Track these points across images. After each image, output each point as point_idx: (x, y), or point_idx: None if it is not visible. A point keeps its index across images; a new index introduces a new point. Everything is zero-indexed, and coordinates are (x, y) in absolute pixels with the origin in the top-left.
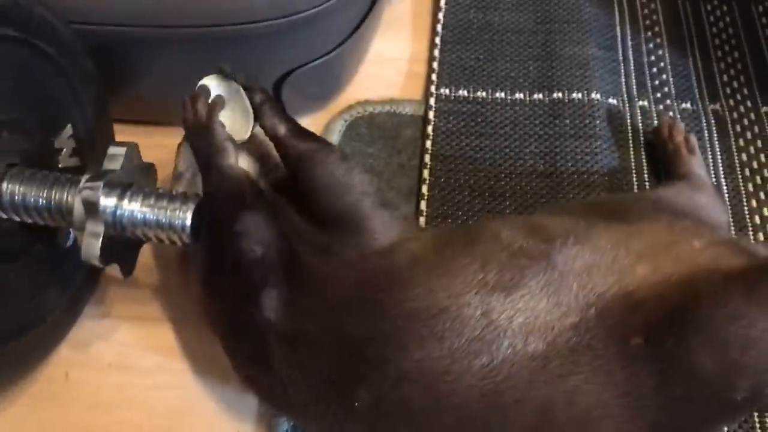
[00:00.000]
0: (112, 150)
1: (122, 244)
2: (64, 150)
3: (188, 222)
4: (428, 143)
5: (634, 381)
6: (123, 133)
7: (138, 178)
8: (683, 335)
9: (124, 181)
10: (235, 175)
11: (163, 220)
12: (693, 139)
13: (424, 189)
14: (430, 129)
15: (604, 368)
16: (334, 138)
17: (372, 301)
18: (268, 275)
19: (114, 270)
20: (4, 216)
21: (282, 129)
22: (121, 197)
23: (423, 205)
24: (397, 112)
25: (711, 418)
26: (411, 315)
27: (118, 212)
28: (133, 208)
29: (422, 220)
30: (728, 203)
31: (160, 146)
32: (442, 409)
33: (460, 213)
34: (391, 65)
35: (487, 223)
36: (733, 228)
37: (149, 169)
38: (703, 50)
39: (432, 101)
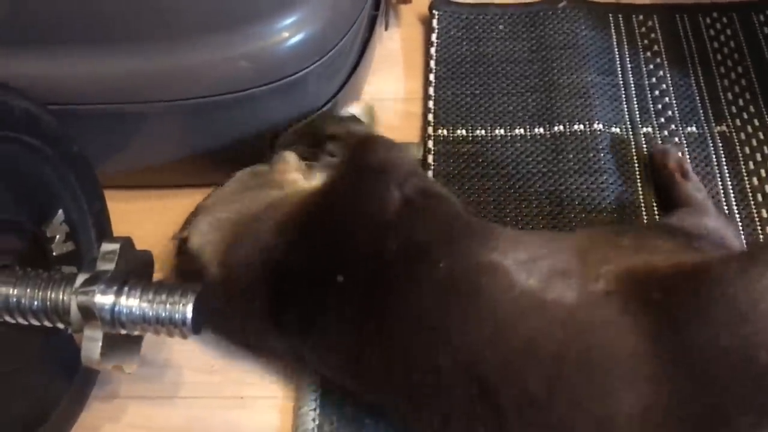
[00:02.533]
0: (106, 247)
1: (123, 339)
2: (57, 237)
3: (189, 315)
4: None
5: (656, 340)
6: (117, 199)
7: (135, 270)
8: (697, 291)
9: (120, 277)
10: None
11: (163, 314)
12: (686, 163)
13: None
14: (430, 174)
15: (631, 316)
16: None
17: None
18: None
19: (117, 368)
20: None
21: None
22: (118, 294)
23: None
24: None
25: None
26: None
27: (116, 309)
28: (132, 304)
29: None
30: (742, 232)
31: (155, 209)
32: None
33: None
34: (385, 106)
35: None
36: None
37: (146, 257)
38: (705, 67)
39: (430, 144)
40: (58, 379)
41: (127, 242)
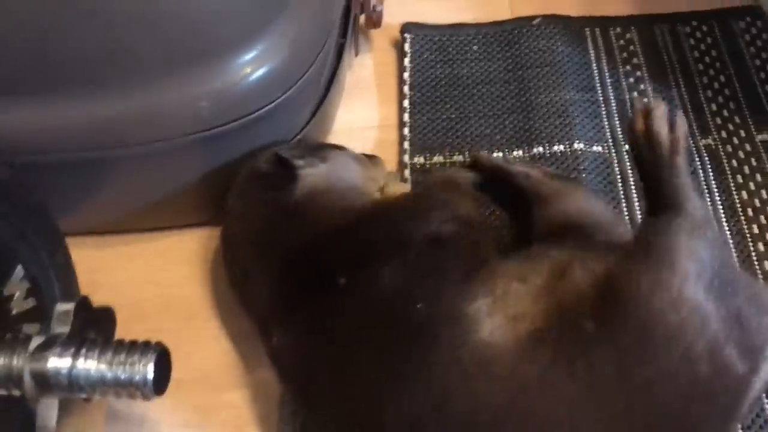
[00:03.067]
0: (60, 308)
1: (78, 403)
2: (17, 294)
3: (150, 376)
4: None
5: (595, 371)
6: (87, 245)
7: (95, 328)
8: (623, 317)
9: (77, 338)
10: None
11: (123, 376)
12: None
13: None
14: None
15: (567, 352)
16: None
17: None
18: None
19: None
20: None
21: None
22: (75, 357)
23: None
24: None
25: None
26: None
27: (74, 373)
28: (89, 366)
29: None
30: (733, 249)
31: (126, 255)
32: (450, 360)
33: None
34: (360, 135)
35: None
36: None
37: (106, 314)
38: (687, 78)
39: (407, 173)
40: None
41: (82, 301)
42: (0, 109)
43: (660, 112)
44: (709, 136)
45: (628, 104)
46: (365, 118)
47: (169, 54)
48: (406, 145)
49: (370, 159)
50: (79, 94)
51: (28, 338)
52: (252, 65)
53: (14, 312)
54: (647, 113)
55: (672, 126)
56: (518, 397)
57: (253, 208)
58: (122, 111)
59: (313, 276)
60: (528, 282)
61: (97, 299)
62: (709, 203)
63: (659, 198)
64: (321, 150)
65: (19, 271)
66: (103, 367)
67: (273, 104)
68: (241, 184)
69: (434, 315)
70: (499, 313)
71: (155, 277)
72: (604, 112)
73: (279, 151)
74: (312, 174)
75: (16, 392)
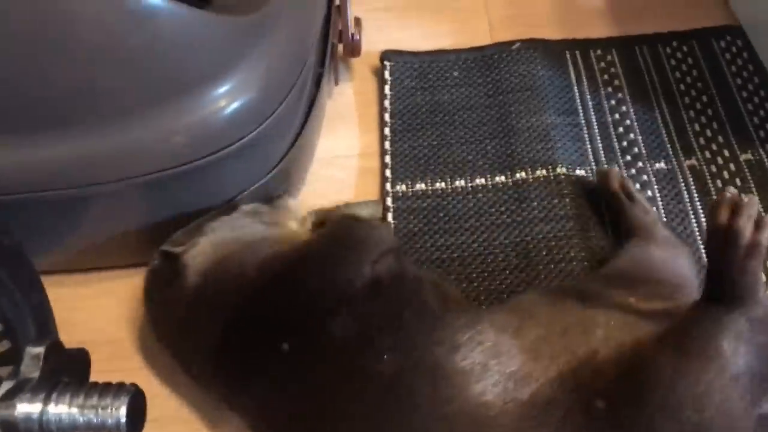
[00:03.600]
0: (30, 351)
1: None
2: None
3: (123, 419)
4: None
5: None
6: (65, 284)
7: (68, 370)
8: (640, 401)
9: (48, 382)
10: None
11: (95, 420)
12: (629, 183)
13: None
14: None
15: (573, 425)
16: None
17: (435, 302)
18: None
19: None
20: None
21: None
22: (46, 402)
23: None
24: (354, 218)
25: None
26: (445, 320)
27: (44, 418)
28: (60, 411)
29: None
30: None
31: (107, 292)
32: (434, 413)
33: None
34: (341, 164)
35: None
36: None
37: (80, 356)
38: (669, 99)
39: (389, 201)
40: None
41: (53, 344)
42: None
43: (751, 210)
44: (693, 157)
45: (611, 126)
46: (347, 147)
47: (143, 89)
48: (388, 173)
49: (274, 202)
50: (52, 133)
51: None
52: (226, 98)
53: None
54: (736, 208)
55: (758, 227)
56: None
57: (161, 310)
58: (97, 148)
59: (253, 350)
60: (522, 337)
61: (75, 338)
62: (694, 224)
63: (719, 287)
64: (201, 226)
65: None
66: (74, 411)
67: (249, 136)
68: (145, 289)
69: (407, 366)
70: (495, 369)
71: (135, 314)
72: (586, 136)
73: (162, 247)
74: (196, 254)
75: None
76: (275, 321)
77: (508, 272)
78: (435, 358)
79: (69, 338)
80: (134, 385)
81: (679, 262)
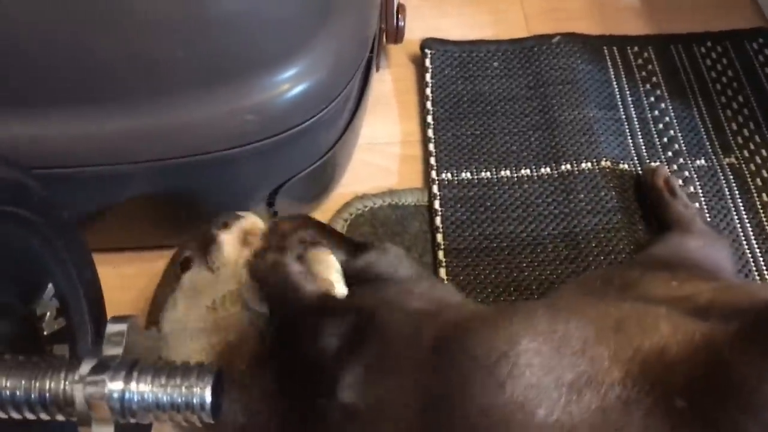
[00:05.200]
0: (112, 328)
1: (132, 429)
2: (48, 314)
3: (208, 399)
4: (439, 237)
5: None
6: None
7: (142, 350)
8: (722, 403)
9: (128, 360)
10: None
11: (179, 400)
12: (673, 180)
13: None
14: (438, 221)
15: (657, 426)
16: None
17: (445, 352)
18: (344, 360)
19: None
20: None
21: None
22: (127, 380)
23: None
24: (399, 204)
25: None
26: (473, 362)
27: (127, 397)
28: (143, 390)
29: None
30: (763, 266)
31: (143, 272)
32: None
33: None
34: (383, 151)
35: None
36: None
37: (152, 336)
38: (706, 98)
39: (435, 189)
40: None
41: (134, 321)
42: (40, 121)
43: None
44: (732, 155)
45: (651, 123)
46: (388, 134)
47: (218, 67)
48: (433, 161)
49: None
50: (125, 106)
51: (77, 361)
52: (297, 79)
53: (45, 332)
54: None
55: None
56: None
57: None
58: (168, 124)
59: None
60: (569, 341)
61: None
62: (737, 222)
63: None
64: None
65: (50, 289)
66: (157, 390)
67: (315, 118)
68: None
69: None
70: (551, 385)
71: None
72: (627, 131)
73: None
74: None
75: (61, 417)
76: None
77: (558, 263)
78: (484, 411)
79: (109, 316)
80: (215, 364)
81: (715, 252)
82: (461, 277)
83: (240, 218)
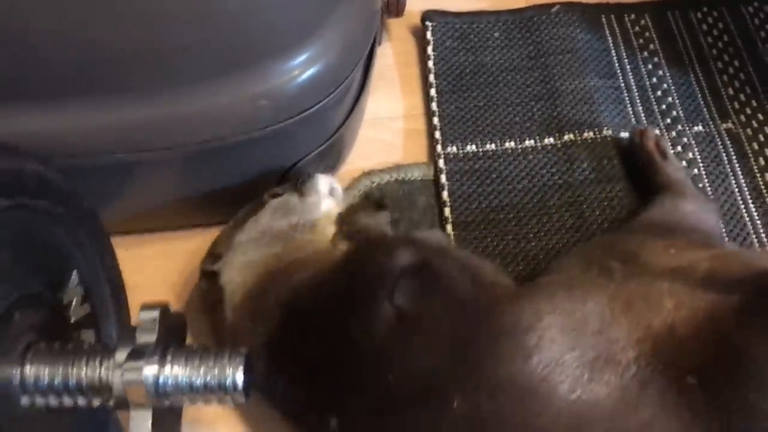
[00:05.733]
0: (144, 315)
1: (166, 411)
2: (74, 301)
3: (240, 380)
4: (447, 211)
5: (700, 423)
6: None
7: (173, 335)
8: (730, 377)
9: (161, 345)
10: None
11: (213, 382)
12: (664, 143)
13: None
14: (445, 195)
15: (672, 404)
16: None
17: (480, 308)
18: (406, 272)
19: None
20: (28, 402)
21: None
22: (161, 364)
23: None
24: (405, 179)
25: None
26: (502, 327)
27: (161, 380)
28: (177, 373)
29: None
30: (761, 230)
31: (158, 255)
32: (531, 429)
33: None
34: (387, 126)
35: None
36: None
37: (180, 320)
38: (702, 63)
39: (441, 163)
40: None
41: (165, 308)
42: (58, 113)
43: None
44: (729, 120)
45: (649, 90)
46: (391, 109)
47: (231, 54)
48: (438, 134)
49: (305, 185)
50: (140, 95)
51: (112, 348)
52: (308, 63)
53: (73, 320)
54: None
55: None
56: None
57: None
58: (183, 112)
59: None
60: (587, 320)
61: (137, 300)
62: (734, 187)
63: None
64: (231, 236)
65: (75, 277)
66: (191, 373)
67: (325, 100)
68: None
69: (482, 401)
70: (574, 363)
71: (194, 276)
72: (627, 99)
73: (202, 265)
74: (230, 279)
75: (98, 402)
76: (312, 353)
77: (563, 232)
78: (510, 377)
79: (129, 300)
80: (246, 348)
81: (707, 215)
82: (470, 250)
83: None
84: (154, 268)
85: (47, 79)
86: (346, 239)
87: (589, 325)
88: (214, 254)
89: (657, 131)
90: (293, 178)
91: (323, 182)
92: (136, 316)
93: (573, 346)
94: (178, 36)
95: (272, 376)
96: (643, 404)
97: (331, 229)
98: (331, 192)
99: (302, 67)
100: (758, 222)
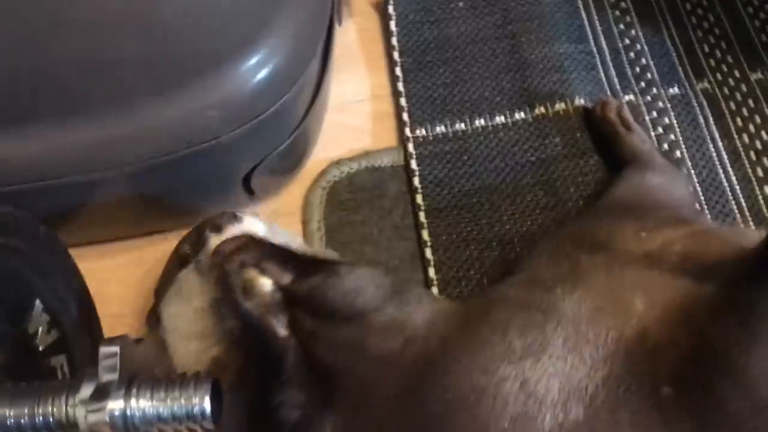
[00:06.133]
0: (105, 351)
1: None
2: (40, 329)
3: (207, 407)
4: (419, 198)
5: None
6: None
7: (140, 362)
8: (708, 384)
9: (125, 378)
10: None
11: (180, 411)
12: (626, 112)
13: (428, 253)
14: (416, 181)
15: (645, 424)
16: (315, 213)
17: (416, 398)
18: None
19: None
20: None
21: (286, 278)
22: (127, 398)
23: (431, 272)
24: (376, 167)
25: None
26: (452, 404)
27: (128, 414)
28: (144, 406)
29: (434, 289)
30: (740, 194)
31: (130, 262)
32: None
33: (472, 272)
34: (354, 110)
35: (492, 288)
36: (751, 221)
37: (141, 347)
38: (676, 20)
39: (410, 147)
40: None
41: (126, 341)
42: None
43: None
44: (705, 79)
45: (622, 53)
46: (356, 90)
47: (174, 68)
48: (405, 116)
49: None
50: (85, 118)
51: (77, 383)
52: (258, 67)
53: (41, 348)
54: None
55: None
56: None
57: None
58: (131, 130)
59: None
60: (550, 342)
61: (109, 311)
62: (713, 151)
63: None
64: (159, 312)
65: (38, 305)
66: (158, 404)
67: (280, 102)
68: None
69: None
70: (535, 405)
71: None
72: (599, 64)
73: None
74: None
75: None
76: None
77: (538, 212)
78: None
79: (103, 311)
80: (211, 376)
81: (676, 186)
82: (444, 237)
83: (235, 222)
84: (130, 277)
85: None
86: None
87: (550, 356)
88: (154, 314)
89: (632, 96)
90: (196, 233)
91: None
92: (110, 329)
93: (533, 390)
94: (118, 50)
95: None
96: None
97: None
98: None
99: (250, 73)
100: (737, 187)
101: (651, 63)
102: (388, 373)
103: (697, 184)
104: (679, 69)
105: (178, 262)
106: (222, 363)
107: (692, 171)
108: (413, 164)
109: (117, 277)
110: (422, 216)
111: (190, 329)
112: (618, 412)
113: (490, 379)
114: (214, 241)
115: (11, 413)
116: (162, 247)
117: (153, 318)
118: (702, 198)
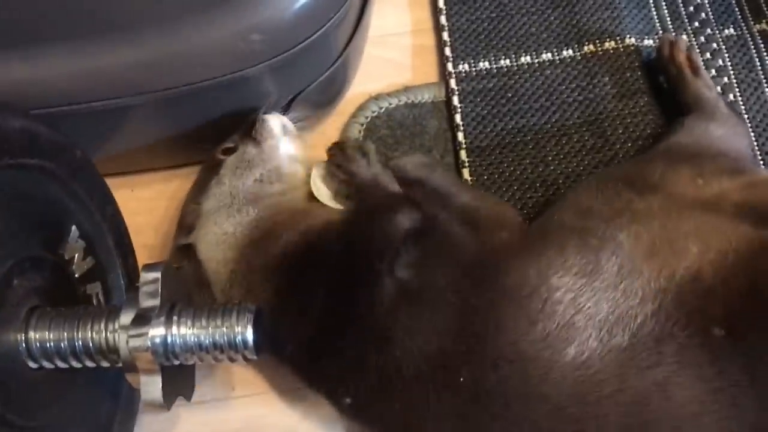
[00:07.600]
0: (146, 276)
1: (177, 369)
2: (76, 256)
3: (250, 337)
4: (460, 136)
5: (725, 377)
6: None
7: (177, 293)
8: (763, 328)
9: (166, 304)
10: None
11: (222, 340)
12: (696, 56)
13: None
14: (458, 118)
15: (692, 360)
16: None
17: (480, 273)
18: (408, 240)
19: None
20: (35, 365)
21: None
22: (168, 325)
23: None
24: (416, 102)
25: None
26: (506, 291)
27: (169, 341)
28: (185, 333)
29: None
30: None
31: (161, 194)
32: (534, 397)
33: None
34: (394, 43)
35: (550, 212)
36: None
37: (184, 276)
38: None
39: (453, 83)
40: (106, 402)
41: (168, 269)
42: (42, 60)
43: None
44: (763, 20)
45: None
46: (398, 24)
47: None
48: (448, 51)
49: (259, 130)
50: (130, 38)
51: (117, 309)
52: None
53: (77, 275)
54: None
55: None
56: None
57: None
58: (170, 53)
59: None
60: (600, 273)
61: (141, 242)
62: (767, 93)
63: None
64: (197, 210)
65: (74, 231)
66: (199, 332)
67: (324, 27)
68: None
69: (485, 375)
70: (582, 324)
71: None
72: (651, 2)
73: (176, 241)
74: (207, 251)
75: (106, 364)
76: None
77: (584, 153)
78: (513, 345)
79: (135, 243)
80: (254, 304)
81: (737, 137)
82: (485, 177)
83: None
84: (158, 208)
85: (25, 24)
86: (343, 198)
87: (602, 279)
88: (184, 226)
89: (684, 37)
90: (241, 127)
91: (274, 122)
92: (142, 259)
93: (582, 306)
94: None
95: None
96: (657, 364)
97: (298, 172)
98: (285, 131)
99: None
100: None
101: (706, 2)
102: (465, 244)
103: (750, 128)
104: (736, 9)
105: (221, 154)
106: (276, 231)
107: (746, 115)
108: (455, 101)
109: (145, 208)
110: (463, 154)
111: (246, 198)
112: (663, 345)
113: (543, 281)
114: (269, 115)
115: (51, 337)
116: (190, 181)
117: (182, 250)
118: (757, 153)
